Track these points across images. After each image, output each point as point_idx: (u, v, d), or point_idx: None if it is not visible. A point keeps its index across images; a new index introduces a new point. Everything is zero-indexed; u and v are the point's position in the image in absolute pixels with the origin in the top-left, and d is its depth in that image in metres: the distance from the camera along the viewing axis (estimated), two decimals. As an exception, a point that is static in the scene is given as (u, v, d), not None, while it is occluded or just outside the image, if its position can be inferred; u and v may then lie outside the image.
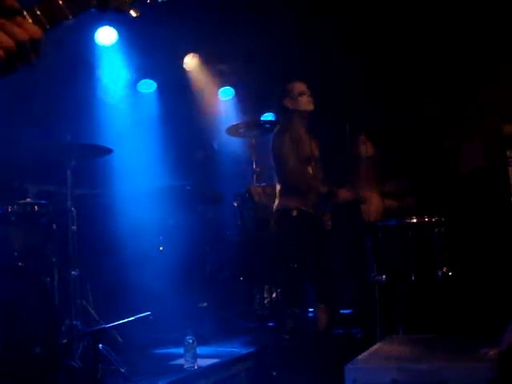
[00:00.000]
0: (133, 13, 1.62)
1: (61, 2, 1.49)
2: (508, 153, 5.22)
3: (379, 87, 6.53)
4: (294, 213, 5.05)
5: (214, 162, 7.20)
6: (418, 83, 6.49)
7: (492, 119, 6.02)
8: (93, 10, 1.56)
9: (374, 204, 5.61)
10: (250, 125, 5.56)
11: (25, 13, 1.45)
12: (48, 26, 1.47)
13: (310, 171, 5.23)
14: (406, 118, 6.47)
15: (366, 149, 5.83)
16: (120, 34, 6.47)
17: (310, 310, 5.45)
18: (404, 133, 6.35)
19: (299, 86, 5.33)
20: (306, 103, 5.27)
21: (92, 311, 4.61)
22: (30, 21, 1.44)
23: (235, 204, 5.74)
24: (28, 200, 4.47)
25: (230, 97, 7.89)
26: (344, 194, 5.13)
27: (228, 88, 7.86)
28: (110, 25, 6.37)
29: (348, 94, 6.31)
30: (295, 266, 5.07)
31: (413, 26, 6.29)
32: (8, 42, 1.39)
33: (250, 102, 7.60)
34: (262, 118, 7.23)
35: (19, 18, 1.43)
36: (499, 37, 5.95)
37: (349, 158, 5.63)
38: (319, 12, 6.35)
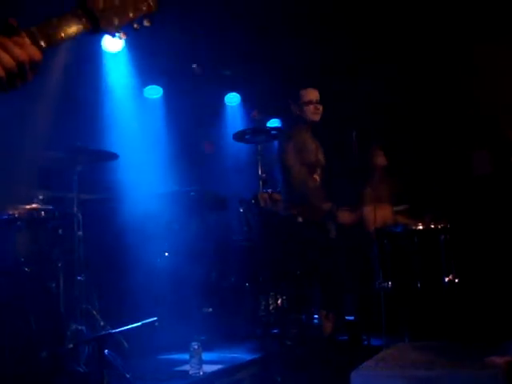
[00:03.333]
0: (121, 36, 1.72)
1: (56, 25, 1.55)
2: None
3: (385, 94, 6.54)
4: (300, 219, 5.05)
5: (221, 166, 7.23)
6: (426, 90, 6.50)
7: (499, 126, 6.02)
8: (85, 33, 1.64)
9: (380, 215, 5.61)
10: (256, 131, 5.56)
11: (23, 33, 1.49)
12: (44, 46, 1.52)
13: (317, 178, 5.24)
14: (413, 126, 6.48)
15: (380, 160, 5.85)
16: (127, 40, 6.48)
17: (315, 316, 5.44)
18: (411, 139, 6.35)
19: (310, 94, 5.34)
20: (311, 113, 5.29)
21: (97, 316, 4.61)
22: (28, 41, 1.48)
23: (241, 210, 5.74)
24: (34, 205, 4.48)
25: (236, 103, 7.91)
26: (344, 218, 5.14)
27: (234, 94, 7.87)
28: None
29: (355, 102, 6.33)
30: (300, 272, 5.07)
31: (422, 34, 6.30)
32: (9, 62, 1.43)
33: (255, 107, 7.61)
34: (267, 124, 7.25)
35: (19, 39, 1.47)
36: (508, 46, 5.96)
37: (361, 168, 5.65)
38: (328, 18, 6.36)
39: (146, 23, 1.76)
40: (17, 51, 1.44)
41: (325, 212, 5.14)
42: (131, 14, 1.71)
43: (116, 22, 1.68)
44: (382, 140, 5.95)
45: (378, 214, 5.61)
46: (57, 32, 1.55)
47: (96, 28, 1.65)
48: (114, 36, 1.70)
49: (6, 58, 1.43)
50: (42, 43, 1.51)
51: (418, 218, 5.42)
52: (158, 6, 1.77)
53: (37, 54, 1.48)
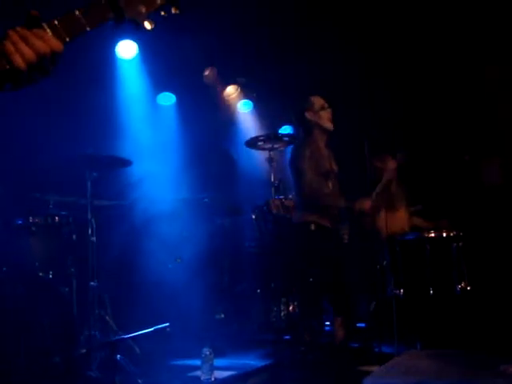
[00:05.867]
0: (147, 25, 1.66)
1: (78, 15, 1.52)
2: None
3: (397, 102, 6.53)
4: (313, 227, 5.04)
5: (234, 172, 7.24)
6: (437, 98, 6.49)
7: (510, 135, 6.00)
8: (110, 22, 1.60)
9: (397, 219, 5.61)
10: (269, 137, 5.58)
11: (45, 25, 1.48)
12: (67, 39, 1.50)
13: (330, 186, 5.22)
14: (424, 132, 6.47)
15: (390, 165, 5.85)
16: (140, 47, 6.53)
17: (327, 323, 5.43)
18: (422, 147, 6.34)
19: (320, 100, 5.33)
20: (326, 119, 5.26)
21: (110, 322, 4.63)
22: (50, 34, 1.47)
23: (253, 216, 5.75)
24: (49, 211, 4.52)
25: (249, 110, 7.93)
26: (362, 204, 5.07)
27: (247, 101, 7.89)
28: (131, 38, 6.44)
29: (367, 110, 6.32)
30: (312, 279, 5.06)
31: (433, 45, 6.30)
32: (30, 54, 1.43)
33: (268, 114, 7.63)
34: (280, 131, 7.25)
35: (40, 31, 1.46)
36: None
37: (371, 174, 5.63)
38: (339, 28, 6.38)
39: (173, 10, 1.70)
40: (38, 43, 1.43)
41: (341, 206, 5.10)
42: (159, 1, 1.67)
43: (143, 9, 1.64)
44: (392, 147, 5.94)
45: (394, 220, 5.61)
46: (80, 24, 1.52)
47: (121, 18, 1.61)
48: (140, 26, 1.65)
49: (27, 51, 1.42)
50: (65, 35, 1.49)
51: (434, 220, 5.42)
52: None
53: (58, 47, 1.47)
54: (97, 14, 1.56)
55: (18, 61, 1.42)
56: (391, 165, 5.77)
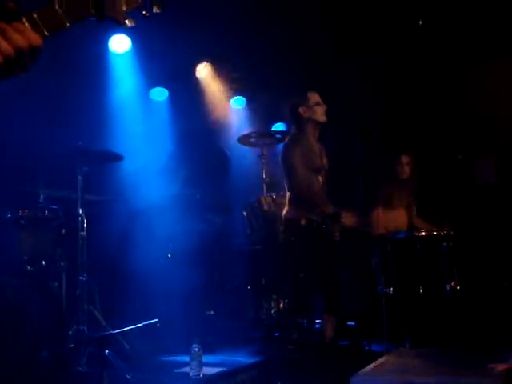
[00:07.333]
0: (128, 23, 1.62)
1: (59, 11, 1.47)
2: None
3: (391, 100, 6.54)
4: (303, 222, 5.04)
5: (226, 169, 7.22)
6: (432, 96, 6.50)
7: (505, 134, 6.01)
8: (90, 19, 1.55)
9: (394, 219, 5.63)
10: (262, 134, 5.57)
11: (23, 19, 1.42)
12: (47, 34, 1.45)
13: (320, 181, 5.23)
14: (418, 131, 6.47)
15: (403, 170, 5.87)
16: (133, 41, 6.51)
17: (317, 320, 5.43)
18: (416, 145, 6.35)
19: (316, 96, 5.34)
20: (321, 114, 5.28)
21: (99, 317, 4.62)
22: (29, 27, 1.42)
23: (245, 213, 5.74)
24: (39, 205, 4.49)
25: (242, 106, 7.91)
26: (349, 220, 5.09)
27: (240, 97, 7.88)
28: (124, 33, 6.41)
29: (360, 107, 6.32)
30: (302, 275, 5.06)
31: (428, 43, 6.30)
32: (7, 48, 1.37)
33: (261, 111, 7.62)
34: (273, 128, 7.25)
35: (19, 24, 1.41)
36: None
37: (384, 175, 5.68)
38: (333, 23, 6.37)
39: (155, 10, 1.66)
40: (16, 37, 1.37)
41: (328, 214, 5.12)
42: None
43: (124, 7, 1.59)
44: (411, 149, 5.97)
45: (389, 219, 5.63)
46: (59, 18, 1.47)
47: (101, 15, 1.55)
48: (121, 24, 1.60)
49: (4, 45, 1.36)
50: (44, 29, 1.44)
51: (436, 223, 5.43)
52: None
53: (37, 40, 1.41)
54: (77, 9, 1.50)
55: None
56: (407, 169, 5.81)
